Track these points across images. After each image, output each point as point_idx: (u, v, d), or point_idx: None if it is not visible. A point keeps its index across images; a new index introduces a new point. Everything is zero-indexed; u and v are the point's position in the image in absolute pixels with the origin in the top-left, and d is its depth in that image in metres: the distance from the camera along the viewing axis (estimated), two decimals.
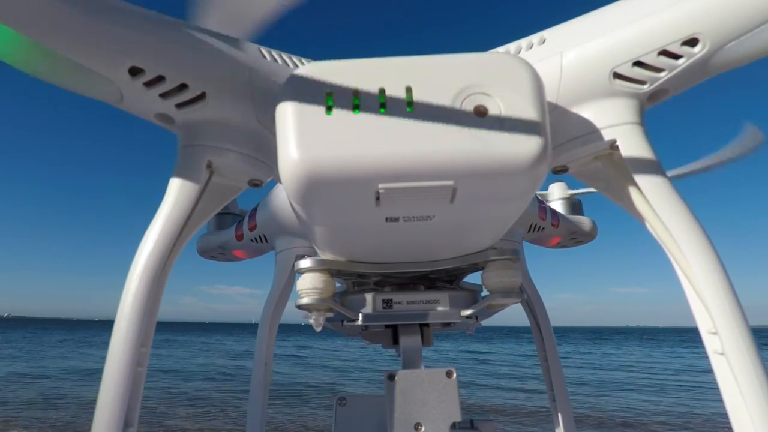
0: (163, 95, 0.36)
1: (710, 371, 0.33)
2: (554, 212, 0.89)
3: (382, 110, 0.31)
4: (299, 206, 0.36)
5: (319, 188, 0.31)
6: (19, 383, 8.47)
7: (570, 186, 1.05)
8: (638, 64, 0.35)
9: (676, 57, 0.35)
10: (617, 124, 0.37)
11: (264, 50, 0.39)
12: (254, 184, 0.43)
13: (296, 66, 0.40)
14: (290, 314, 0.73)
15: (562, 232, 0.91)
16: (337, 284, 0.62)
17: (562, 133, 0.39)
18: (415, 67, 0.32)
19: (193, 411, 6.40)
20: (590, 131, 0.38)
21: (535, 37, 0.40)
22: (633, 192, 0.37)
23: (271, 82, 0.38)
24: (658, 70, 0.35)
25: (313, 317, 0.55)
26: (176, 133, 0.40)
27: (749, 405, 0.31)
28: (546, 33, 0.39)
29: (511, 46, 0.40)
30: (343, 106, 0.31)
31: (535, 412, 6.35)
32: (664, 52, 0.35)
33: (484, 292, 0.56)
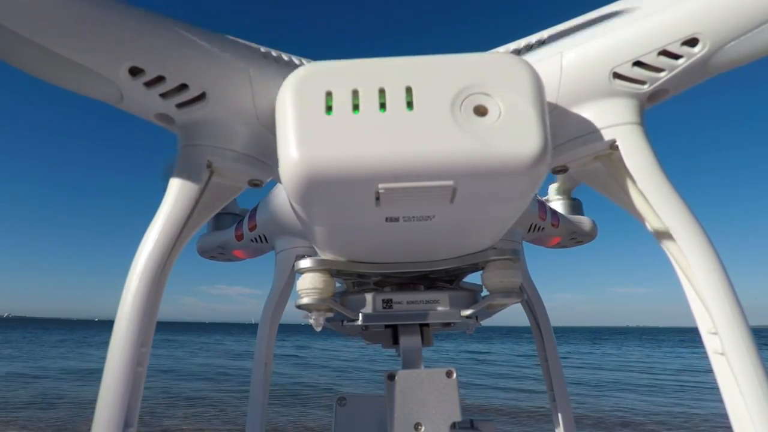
0: (163, 95, 0.36)
1: (710, 371, 0.33)
2: (554, 212, 0.89)
3: (382, 110, 0.31)
4: (299, 206, 0.36)
5: (319, 188, 0.31)
6: (17, 383, 8.47)
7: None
8: (638, 64, 0.35)
9: (676, 57, 0.35)
10: (617, 124, 0.37)
11: (264, 50, 0.39)
12: (254, 184, 0.43)
13: (296, 66, 0.40)
14: (290, 314, 0.73)
15: (562, 232, 0.91)
16: (337, 284, 0.62)
17: (562, 133, 0.39)
18: (415, 67, 0.32)
19: (192, 411, 6.40)
20: (590, 131, 0.38)
21: (535, 37, 0.40)
22: (633, 192, 0.37)
23: (271, 82, 0.38)
24: (658, 70, 0.35)
25: (313, 317, 0.55)
26: (176, 133, 0.40)
27: (749, 405, 0.31)
28: (546, 33, 0.39)
29: (511, 46, 0.40)
30: (343, 106, 0.31)
31: (534, 413, 6.35)
32: (664, 52, 0.35)
33: (484, 292, 0.56)
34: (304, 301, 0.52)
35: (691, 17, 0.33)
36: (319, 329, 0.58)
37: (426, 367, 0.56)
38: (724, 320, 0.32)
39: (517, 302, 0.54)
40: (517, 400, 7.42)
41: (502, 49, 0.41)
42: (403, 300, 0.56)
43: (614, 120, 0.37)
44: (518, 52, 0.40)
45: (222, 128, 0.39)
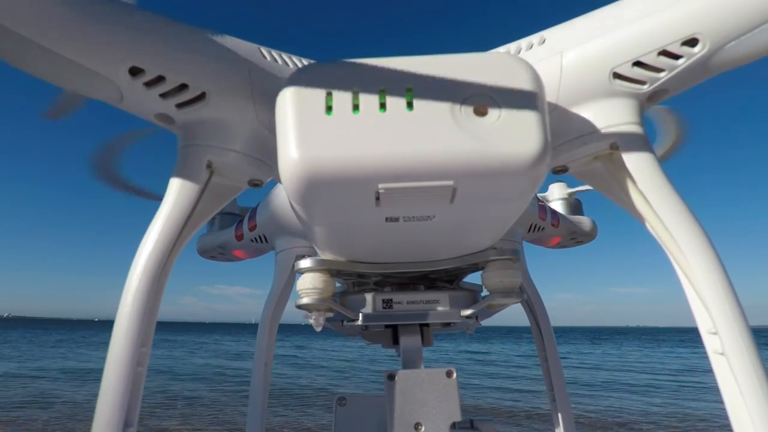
0: (163, 95, 0.36)
1: (709, 371, 0.33)
2: (554, 212, 0.89)
3: (382, 110, 0.31)
4: (299, 206, 0.36)
5: (319, 188, 0.31)
6: (17, 382, 8.46)
7: (570, 185, 1.05)
8: (638, 64, 0.35)
9: (676, 57, 0.35)
10: (617, 124, 0.37)
11: (264, 50, 0.39)
12: (254, 184, 0.43)
13: (296, 66, 0.40)
14: (290, 314, 0.73)
15: (562, 232, 0.91)
16: (337, 284, 0.62)
17: (562, 133, 0.39)
18: (415, 67, 0.32)
19: (189, 411, 6.40)
20: (590, 131, 0.38)
21: (535, 37, 0.40)
22: (633, 192, 0.37)
23: (271, 82, 0.38)
24: (658, 70, 0.35)
25: (313, 317, 0.55)
26: (176, 133, 0.40)
27: (749, 405, 0.31)
28: (546, 33, 0.39)
29: (511, 46, 0.40)
30: (343, 106, 0.31)
31: (534, 414, 6.35)
32: (664, 52, 0.35)
33: (484, 292, 0.56)
34: (304, 301, 0.52)
35: (691, 17, 0.33)
36: (319, 329, 0.58)
37: (426, 367, 0.56)
38: (724, 320, 0.32)
39: (517, 302, 0.54)
40: (514, 401, 7.42)
41: (502, 49, 0.41)
42: (403, 300, 0.56)
43: (614, 120, 0.37)
44: (518, 52, 0.40)
45: (222, 128, 0.39)
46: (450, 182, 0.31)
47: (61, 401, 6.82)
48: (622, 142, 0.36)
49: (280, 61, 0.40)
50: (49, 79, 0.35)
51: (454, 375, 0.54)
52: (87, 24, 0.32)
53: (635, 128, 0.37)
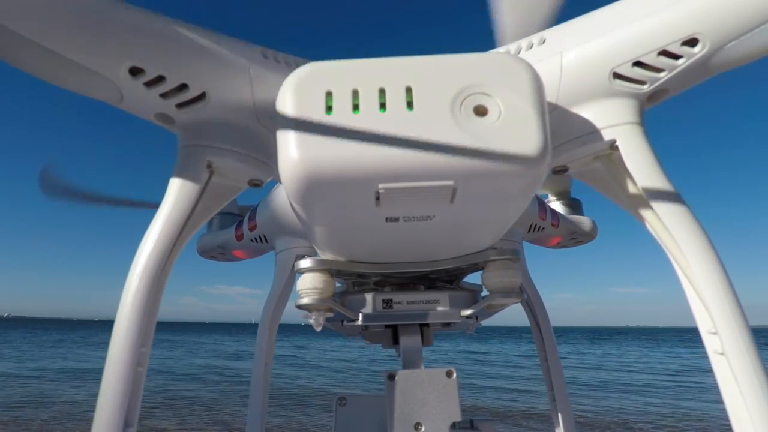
0: (164, 95, 0.36)
1: (709, 371, 0.33)
2: (554, 212, 0.89)
3: (382, 110, 0.31)
4: (299, 206, 0.36)
5: (319, 188, 0.31)
6: (16, 382, 8.45)
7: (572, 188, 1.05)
8: (638, 64, 0.35)
9: (676, 57, 0.35)
10: (617, 124, 0.37)
11: (264, 50, 0.39)
12: (254, 184, 0.43)
13: (296, 66, 0.40)
14: (290, 314, 0.73)
15: (562, 232, 0.91)
16: (337, 284, 0.62)
17: (562, 133, 0.39)
18: (415, 67, 0.32)
19: (188, 411, 6.39)
20: (590, 131, 0.38)
21: (535, 37, 0.40)
22: (633, 192, 0.37)
23: (271, 82, 0.38)
24: (658, 70, 0.35)
25: (313, 317, 0.55)
26: (176, 133, 0.40)
27: (749, 405, 0.31)
28: (546, 33, 0.39)
29: (511, 46, 0.40)
30: (343, 106, 0.31)
31: (533, 414, 6.35)
32: (664, 52, 0.35)
33: (484, 292, 0.56)
34: (304, 301, 0.52)
35: (691, 17, 0.33)
36: (319, 329, 0.58)
37: (426, 367, 0.56)
38: (724, 320, 0.32)
39: (517, 302, 0.54)
40: (512, 401, 7.42)
41: (502, 49, 0.41)
42: (403, 300, 0.56)
43: (614, 120, 0.37)
44: (518, 52, 0.40)
45: (222, 128, 0.39)
46: (450, 182, 0.31)
47: (61, 401, 6.81)
48: (622, 142, 0.36)
49: (280, 61, 0.40)
50: (49, 79, 0.35)
51: (454, 375, 0.54)
52: (87, 24, 0.32)
53: (635, 128, 0.37)
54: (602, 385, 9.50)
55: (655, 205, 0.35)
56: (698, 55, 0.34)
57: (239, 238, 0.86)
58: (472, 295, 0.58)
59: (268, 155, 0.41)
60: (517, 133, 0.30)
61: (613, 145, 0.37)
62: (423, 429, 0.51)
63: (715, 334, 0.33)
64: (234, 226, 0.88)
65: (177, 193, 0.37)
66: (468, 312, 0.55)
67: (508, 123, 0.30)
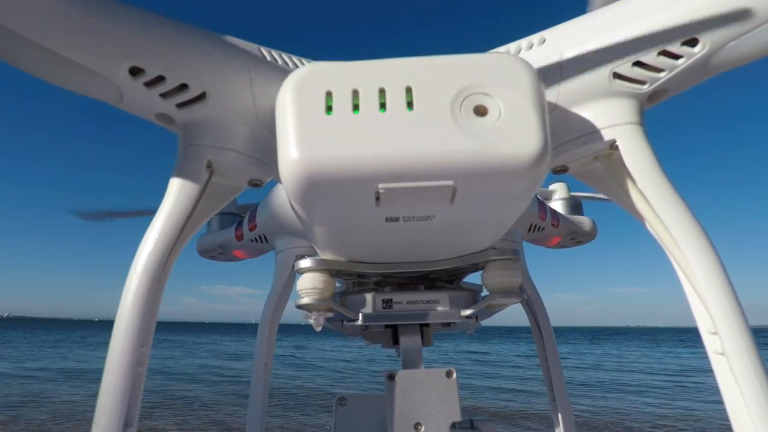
0: (164, 95, 0.36)
1: (709, 371, 0.33)
2: (554, 212, 0.89)
3: (382, 110, 0.31)
4: (299, 206, 0.36)
5: (319, 188, 0.31)
6: (16, 382, 8.45)
7: (572, 189, 1.05)
8: (638, 64, 0.36)
9: (676, 57, 0.35)
10: (617, 124, 0.37)
11: (264, 50, 0.39)
12: (254, 184, 0.43)
13: (296, 66, 0.40)
14: (290, 314, 0.73)
15: (562, 232, 0.91)
16: (337, 284, 0.62)
17: (562, 133, 0.39)
18: (415, 67, 0.32)
19: (187, 411, 6.39)
20: (590, 131, 0.38)
21: (535, 37, 0.40)
22: (633, 192, 0.37)
23: (271, 82, 0.38)
24: (658, 70, 0.35)
25: (313, 317, 0.55)
26: (176, 133, 0.40)
27: (749, 405, 0.31)
28: (546, 33, 0.39)
29: (511, 46, 0.40)
30: (343, 106, 0.31)
31: (533, 414, 6.35)
32: (664, 53, 0.35)
33: (484, 292, 0.56)
34: (304, 301, 0.52)
35: (691, 17, 0.33)
36: (319, 329, 0.58)
37: (426, 367, 0.56)
38: (724, 320, 0.32)
39: (517, 302, 0.54)
40: (511, 401, 7.42)
41: (502, 49, 0.41)
42: (403, 300, 0.56)
43: (614, 120, 0.37)
44: (518, 52, 0.40)
45: (222, 128, 0.39)
46: (450, 182, 0.31)
47: (61, 401, 6.81)
48: (622, 142, 0.36)
49: (280, 61, 0.40)
50: (49, 79, 0.35)
51: (454, 375, 0.54)
52: (87, 24, 0.32)
53: (635, 128, 0.37)
54: (603, 385, 9.50)
55: (655, 205, 0.35)
56: (698, 55, 0.34)
57: (239, 238, 0.86)
58: (472, 295, 0.58)
59: (268, 155, 0.41)
60: (517, 133, 0.30)
61: (613, 145, 0.37)
62: (423, 429, 0.51)
63: (715, 334, 0.33)
64: (234, 226, 0.88)
65: (177, 193, 0.37)
66: (468, 312, 0.55)
67: (508, 123, 0.30)
